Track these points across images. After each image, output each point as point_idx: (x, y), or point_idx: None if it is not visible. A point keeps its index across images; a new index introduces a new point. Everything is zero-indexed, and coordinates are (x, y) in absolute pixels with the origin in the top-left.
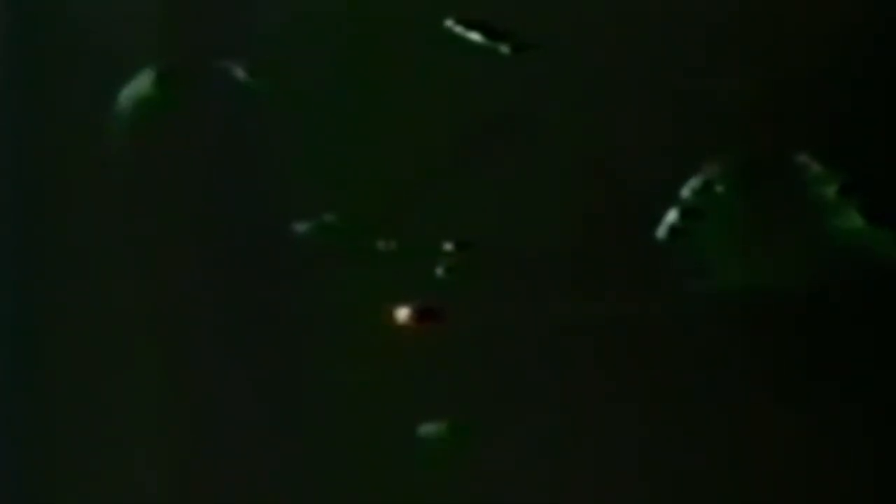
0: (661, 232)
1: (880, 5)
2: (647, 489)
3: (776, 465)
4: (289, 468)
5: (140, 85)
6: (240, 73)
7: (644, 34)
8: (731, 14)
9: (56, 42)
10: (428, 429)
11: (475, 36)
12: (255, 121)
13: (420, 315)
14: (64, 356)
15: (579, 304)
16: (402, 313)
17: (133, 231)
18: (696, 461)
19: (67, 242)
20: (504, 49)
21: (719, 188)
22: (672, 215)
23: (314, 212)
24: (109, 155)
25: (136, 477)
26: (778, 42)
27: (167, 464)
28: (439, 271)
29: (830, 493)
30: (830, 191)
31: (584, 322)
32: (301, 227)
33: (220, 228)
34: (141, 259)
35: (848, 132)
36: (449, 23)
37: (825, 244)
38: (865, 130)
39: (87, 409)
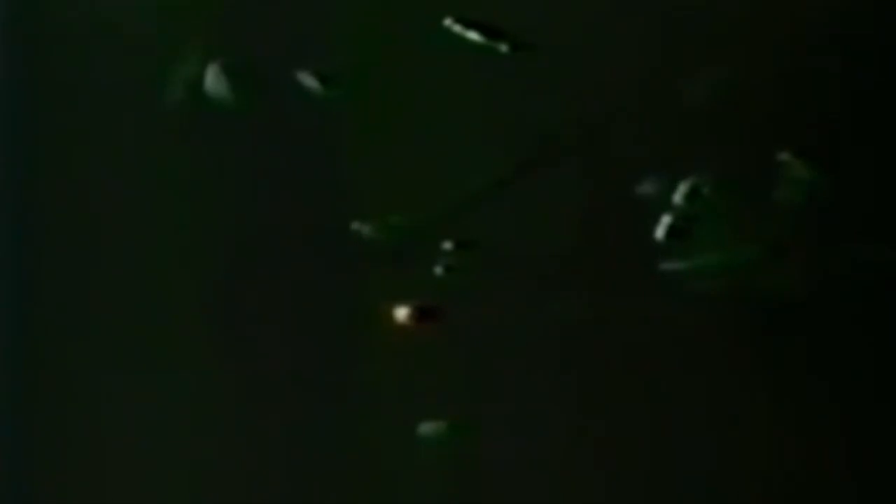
0: (659, 234)
1: (862, 5)
2: (646, 488)
3: (774, 466)
4: (287, 466)
5: (205, 79)
6: (310, 80)
7: (639, 35)
8: (723, 14)
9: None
10: (427, 428)
11: (473, 35)
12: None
13: (419, 314)
14: (102, 352)
15: (579, 303)
16: (402, 313)
17: (176, 226)
18: (695, 461)
19: (110, 237)
20: (502, 48)
21: (706, 191)
22: (666, 220)
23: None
24: (162, 147)
25: (132, 475)
26: (767, 40)
27: (165, 462)
28: (438, 270)
29: (829, 493)
30: (812, 188)
31: (584, 321)
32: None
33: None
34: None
35: (831, 131)
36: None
37: (810, 242)
38: (847, 129)
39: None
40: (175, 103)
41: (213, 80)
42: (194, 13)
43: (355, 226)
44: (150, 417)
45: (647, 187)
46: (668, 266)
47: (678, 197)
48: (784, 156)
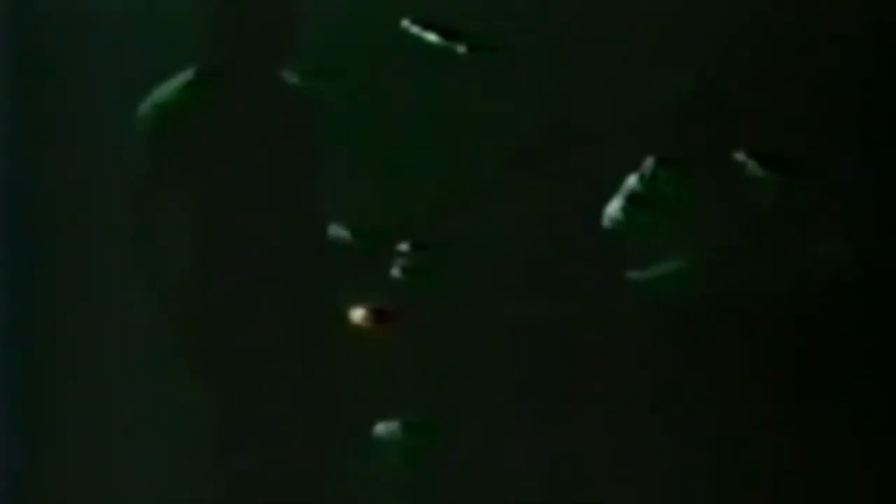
0: (605, 221)
1: (825, 6)
2: (605, 494)
3: (762, 466)
4: (243, 466)
5: (175, 85)
6: (293, 77)
7: (598, 34)
8: (682, 14)
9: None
10: (383, 429)
11: (431, 36)
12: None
13: (375, 316)
14: (89, 361)
15: (535, 304)
16: (358, 314)
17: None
18: (657, 464)
19: (91, 244)
20: (460, 49)
21: (662, 185)
22: (615, 205)
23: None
24: (138, 153)
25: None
26: (738, 42)
27: (133, 458)
28: (395, 272)
29: (825, 494)
30: (767, 190)
31: (544, 324)
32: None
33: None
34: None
35: (798, 133)
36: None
37: (766, 243)
38: (817, 132)
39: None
40: (149, 110)
41: (189, 80)
42: (174, 17)
43: (317, 228)
44: (121, 413)
45: (610, 185)
46: (630, 273)
47: (631, 182)
48: (747, 157)
